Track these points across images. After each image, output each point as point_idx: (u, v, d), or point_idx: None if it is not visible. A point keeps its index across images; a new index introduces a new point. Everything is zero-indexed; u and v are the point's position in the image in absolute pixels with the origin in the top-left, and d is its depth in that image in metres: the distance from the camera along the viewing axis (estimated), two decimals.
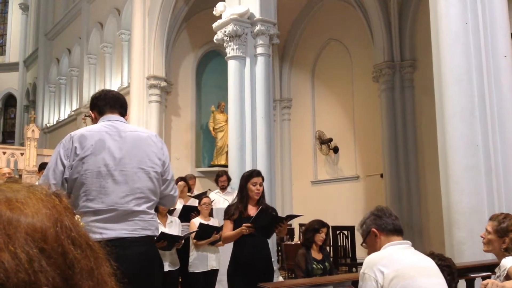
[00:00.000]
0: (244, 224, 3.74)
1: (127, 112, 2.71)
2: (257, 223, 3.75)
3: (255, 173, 4.03)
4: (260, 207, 3.86)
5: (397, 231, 2.38)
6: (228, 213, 3.96)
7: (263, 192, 4.03)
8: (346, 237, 8.56)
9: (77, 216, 0.58)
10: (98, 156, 2.38)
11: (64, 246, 0.53)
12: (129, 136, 2.51)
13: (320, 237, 4.57)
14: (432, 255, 2.60)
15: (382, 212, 2.42)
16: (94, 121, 2.65)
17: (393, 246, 2.34)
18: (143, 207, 2.43)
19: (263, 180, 4.03)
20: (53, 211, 0.55)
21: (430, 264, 2.32)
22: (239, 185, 4.08)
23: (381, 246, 2.37)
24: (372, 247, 2.42)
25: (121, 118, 2.60)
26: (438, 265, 2.40)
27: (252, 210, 3.93)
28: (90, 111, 2.71)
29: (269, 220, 3.87)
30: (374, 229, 2.39)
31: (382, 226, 2.37)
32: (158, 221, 4.99)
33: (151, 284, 2.45)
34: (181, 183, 6.19)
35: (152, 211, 2.52)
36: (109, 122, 2.54)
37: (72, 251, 0.53)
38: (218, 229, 5.16)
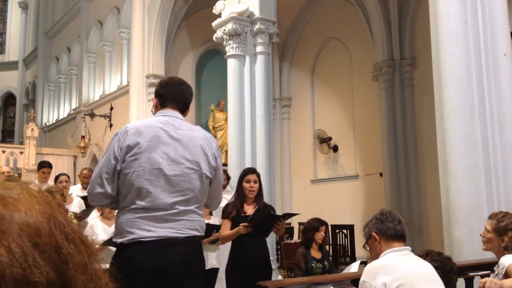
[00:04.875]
0: (241, 224, 3.75)
1: (189, 109, 2.66)
2: (254, 222, 3.75)
3: (250, 171, 4.05)
4: (257, 206, 3.87)
5: (398, 237, 2.38)
6: (225, 212, 3.98)
7: (260, 190, 4.03)
8: (346, 235, 8.58)
9: (70, 213, 0.59)
10: (152, 154, 2.36)
11: (58, 241, 0.53)
12: (184, 136, 2.48)
13: (319, 235, 4.58)
14: (427, 254, 2.60)
15: (385, 216, 2.41)
16: (154, 108, 2.64)
17: (393, 253, 2.34)
18: (192, 207, 2.42)
19: (258, 177, 4.03)
20: (46, 207, 0.55)
21: (429, 271, 2.33)
22: (237, 183, 4.11)
23: (381, 251, 2.38)
24: (373, 251, 2.44)
25: (179, 115, 2.57)
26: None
27: (249, 209, 3.94)
28: (153, 97, 2.67)
29: (266, 219, 3.88)
30: (374, 234, 2.40)
31: (383, 231, 2.38)
32: None
33: (196, 284, 2.43)
34: None
35: (201, 211, 2.50)
36: (167, 117, 2.52)
37: (66, 246, 0.54)
38: (218, 228, 5.16)
